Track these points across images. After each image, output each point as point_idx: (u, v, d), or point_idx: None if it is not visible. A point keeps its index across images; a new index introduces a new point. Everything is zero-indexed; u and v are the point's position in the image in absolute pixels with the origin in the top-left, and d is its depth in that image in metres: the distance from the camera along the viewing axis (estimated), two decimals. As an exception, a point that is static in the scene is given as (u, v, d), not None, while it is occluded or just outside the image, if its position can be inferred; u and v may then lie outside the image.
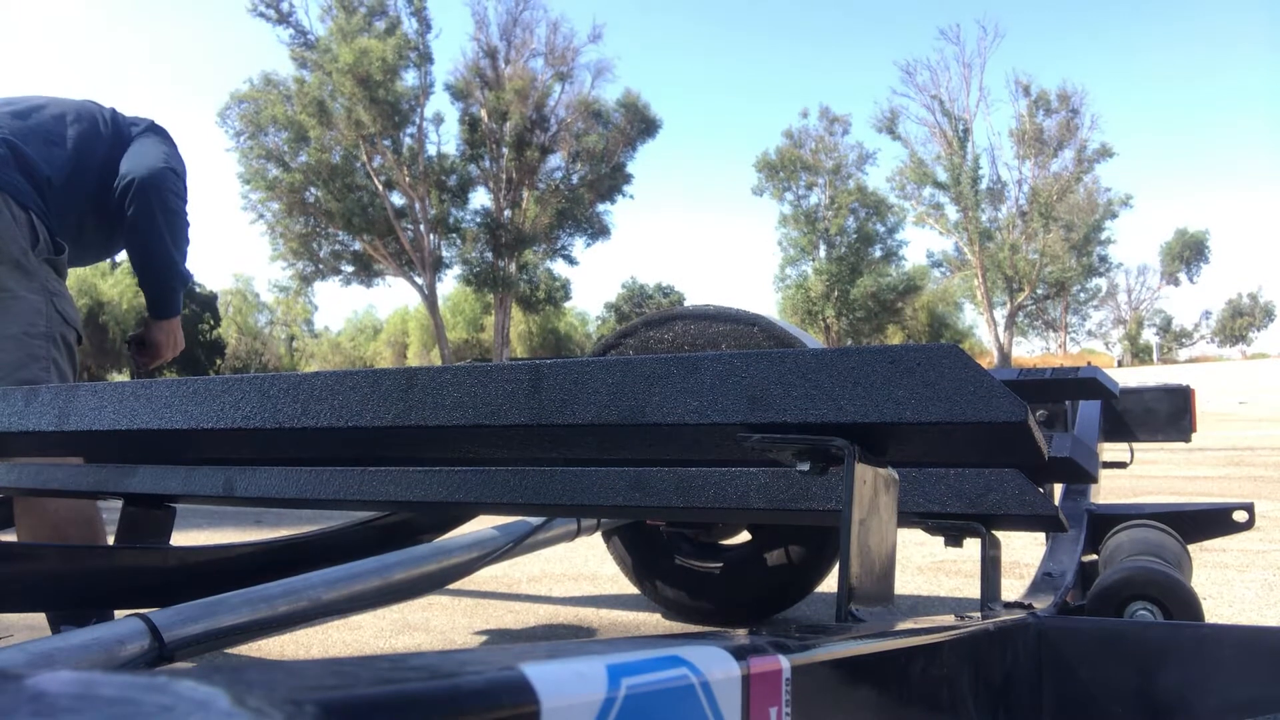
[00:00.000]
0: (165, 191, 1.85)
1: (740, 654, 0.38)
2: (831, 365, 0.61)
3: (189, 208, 1.93)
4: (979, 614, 0.83)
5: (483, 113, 32.82)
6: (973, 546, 0.90)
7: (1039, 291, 41.90)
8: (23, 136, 1.79)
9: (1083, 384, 1.59)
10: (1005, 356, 38.42)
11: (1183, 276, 55.11)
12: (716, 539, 2.13)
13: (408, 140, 31.88)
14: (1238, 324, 65.08)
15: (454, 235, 33.42)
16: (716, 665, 0.36)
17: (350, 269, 33.00)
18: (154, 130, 1.99)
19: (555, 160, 33.54)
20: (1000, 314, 39.64)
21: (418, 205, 32.35)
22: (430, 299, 33.25)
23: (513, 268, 33.71)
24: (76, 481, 1.33)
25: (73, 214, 1.87)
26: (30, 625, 2.14)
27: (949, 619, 0.71)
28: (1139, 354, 58.62)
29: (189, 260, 1.97)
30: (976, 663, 0.69)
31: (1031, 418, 0.59)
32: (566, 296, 39.19)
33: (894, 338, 41.93)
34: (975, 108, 39.43)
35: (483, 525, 1.58)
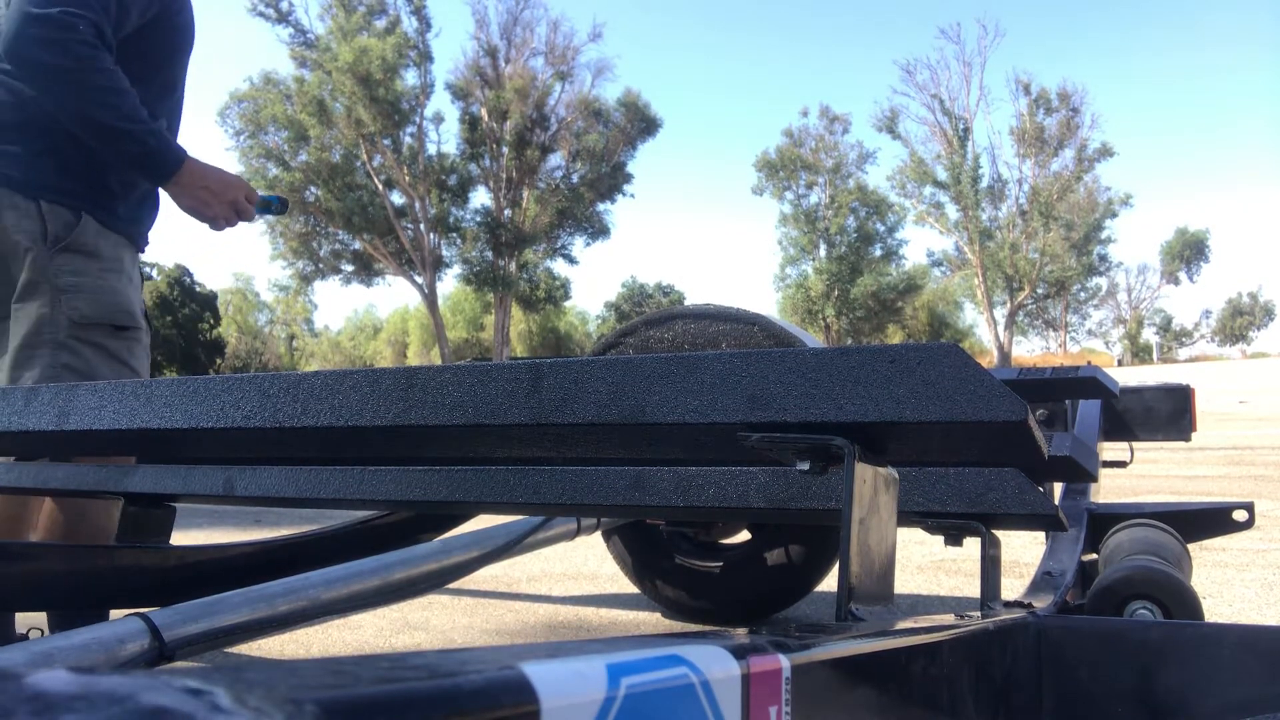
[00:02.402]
0: (31, 57, 1.44)
1: (740, 653, 0.38)
2: (831, 364, 0.61)
3: (79, 46, 1.45)
4: (979, 613, 0.83)
5: (483, 112, 32.82)
6: (972, 546, 0.90)
7: (1039, 291, 41.91)
8: None
9: (1083, 383, 1.59)
10: (1005, 355, 38.44)
11: (1183, 276, 55.14)
12: (716, 538, 2.13)
13: (408, 139, 31.90)
14: (1238, 323, 65.09)
15: (454, 234, 33.44)
16: (716, 664, 0.36)
17: (350, 268, 33.03)
18: None
19: (555, 159, 33.58)
20: (1000, 313, 39.65)
21: (418, 204, 32.36)
22: (430, 298, 33.27)
23: (513, 267, 33.72)
24: (76, 481, 1.33)
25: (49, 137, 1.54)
26: (30, 625, 2.14)
27: (949, 618, 0.71)
28: (1139, 353, 58.64)
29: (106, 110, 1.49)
30: (976, 662, 0.69)
31: (1031, 417, 0.59)
32: (566, 296, 39.25)
33: (894, 337, 41.95)
34: (975, 107, 39.46)
35: (483, 525, 1.58)
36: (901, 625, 0.60)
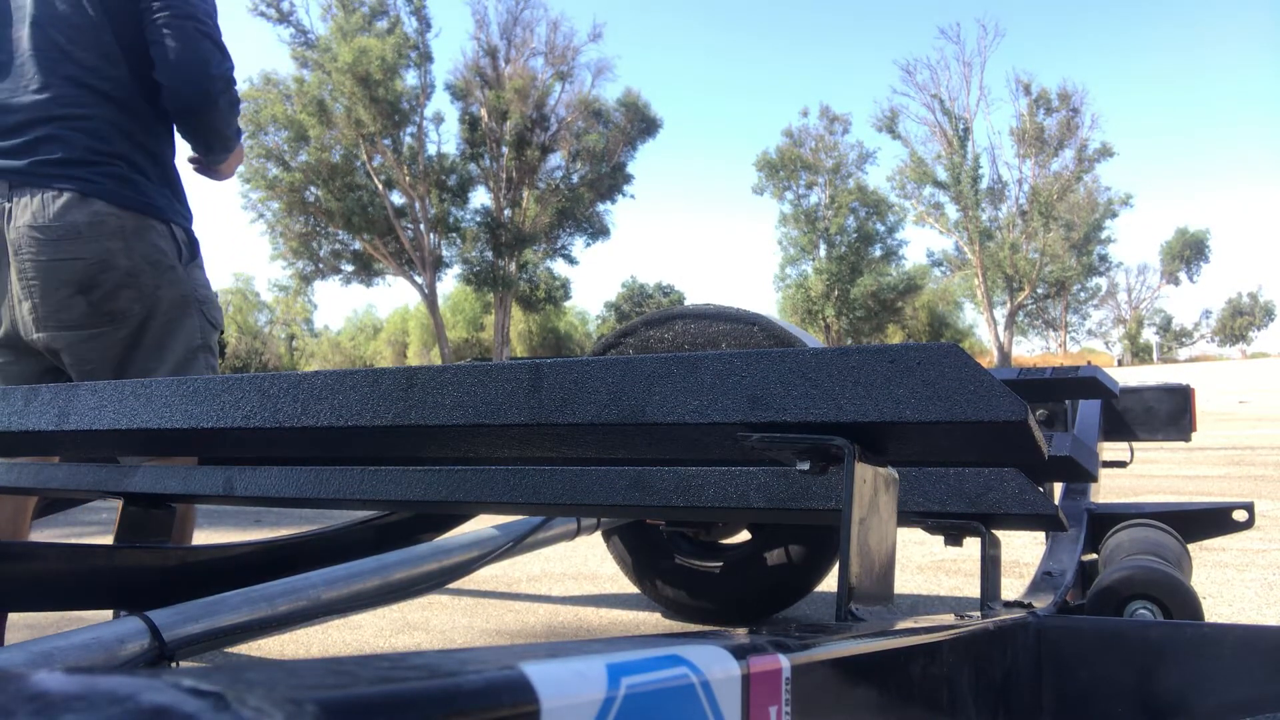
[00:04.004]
0: (219, 107, 1.69)
1: (740, 653, 0.38)
2: (831, 364, 0.61)
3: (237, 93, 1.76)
4: (979, 613, 0.83)
5: (483, 112, 32.82)
6: (972, 546, 0.90)
7: (1039, 291, 41.95)
8: (86, 127, 1.62)
9: (1083, 383, 1.59)
10: (1005, 356, 38.44)
11: (1183, 276, 55.14)
12: (716, 538, 2.13)
13: (408, 139, 31.89)
14: (1238, 323, 65.14)
15: (454, 235, 33.44)
16: (716, 664, 0.36)
17: (350, 268, 33.03)
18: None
19: (555, 160, 33.59)
20: (1000, 313, 39.65)
21: (418, 204, 32.36)
22: (430, 298, 33.26)
23: (513, 267, 33.72)
24: (77, 481, 1.33)
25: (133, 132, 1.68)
26: (30, 625, 2.15)
27: (949, 618, 0.71)
28: (1139, 353, 58.67)
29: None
30: (976, 662, 0.69)
31: (1031, 417, 0.59)
32: (566, 296, 39.25)
33: (894, 337, 41.95)
34: (975, 107, 39.48)
35: (483, 525, 1.58)
36: (901, 625, 0.60)
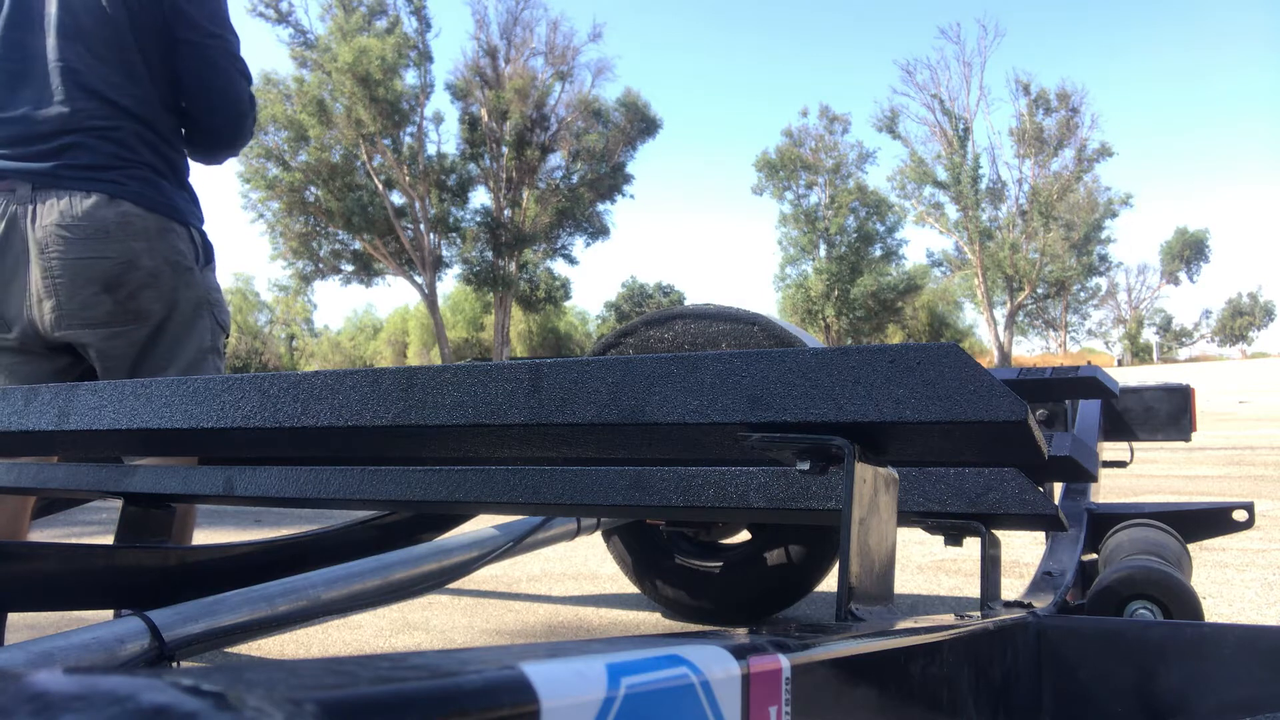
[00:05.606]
0: (245, 139, 1.82)
1: (740, 653, 0.38)
2: (831, 364, 0.61)
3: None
4: (979, 613, 0.83)
5: (483, 112, 32.82)
6: (972, 546, 0.90)
7: (1039, 291, 41.94)
8: (116, 123, 1.65)
9: (1083, 383, 1.59)
10: (1005, 356, 38.44)
11: (1183, 276, 55.14)
12: (716, 538, 2.13)
13: (407, 139, 31.89)
14: (1238, 323, 65.16)
15: (454, 234, 33.44)
16: (716, 664, 0.36)
17: (350, 268, 33.03)
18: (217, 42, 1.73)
19: (555, 159, 33.59)
20: (1000, 313, 39.65)
21: (417, 204, 32.36)
22: (430, 298, 33.26)
23: (513, 267, 33.73)
24: (77, 481, 1.33)
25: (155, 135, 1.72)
26: (30, 625, 2.14)
27: (949, 618, 0.71)
28: (1139, 353, 58.67)
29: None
30: (976, 662, 0.69)
31: (1031, 417, 0.59)
32: (566, 296, 39.27)
33: (894, 337, 41.94)
34: (975, 107, 39.48)
35: (483, 525, 1.58)
36: (901, 625, 0.60)
